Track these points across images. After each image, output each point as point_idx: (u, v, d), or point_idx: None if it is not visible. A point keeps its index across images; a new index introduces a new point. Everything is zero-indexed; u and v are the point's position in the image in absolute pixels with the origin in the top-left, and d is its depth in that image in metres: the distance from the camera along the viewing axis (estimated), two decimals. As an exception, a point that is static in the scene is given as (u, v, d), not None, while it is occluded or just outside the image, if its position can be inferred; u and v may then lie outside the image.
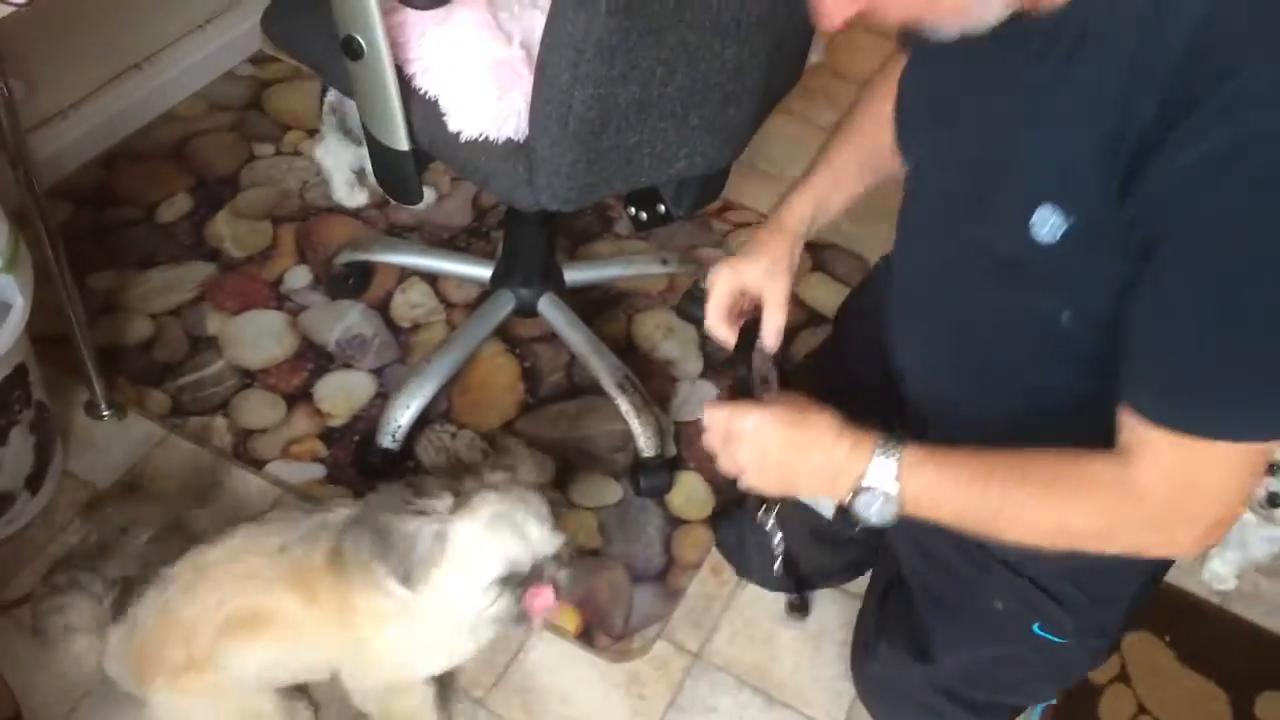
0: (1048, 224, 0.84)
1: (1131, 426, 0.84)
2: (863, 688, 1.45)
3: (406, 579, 1.16)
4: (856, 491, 0.94)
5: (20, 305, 1.36)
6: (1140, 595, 1.19)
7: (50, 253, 1.50)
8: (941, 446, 0.94)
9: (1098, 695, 1.54)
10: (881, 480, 0.92)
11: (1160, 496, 0.85)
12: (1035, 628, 1.17)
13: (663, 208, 1.62)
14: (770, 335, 1.14)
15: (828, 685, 1.52)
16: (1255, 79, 0.71)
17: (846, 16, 0.82)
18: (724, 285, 1.14)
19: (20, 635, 1.45)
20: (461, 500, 1.19)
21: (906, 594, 1.33)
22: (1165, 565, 1.22)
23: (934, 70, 1.01)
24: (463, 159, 1.36)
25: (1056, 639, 1.18)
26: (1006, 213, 0.88)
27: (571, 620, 1.55)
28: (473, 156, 1.35)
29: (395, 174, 1.41)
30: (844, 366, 1.36)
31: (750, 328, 1.15)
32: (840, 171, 1.19)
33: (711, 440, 1.01)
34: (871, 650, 1.39)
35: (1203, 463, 0.82)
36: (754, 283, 1.14)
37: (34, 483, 1.54)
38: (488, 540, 1.17)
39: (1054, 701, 1.48)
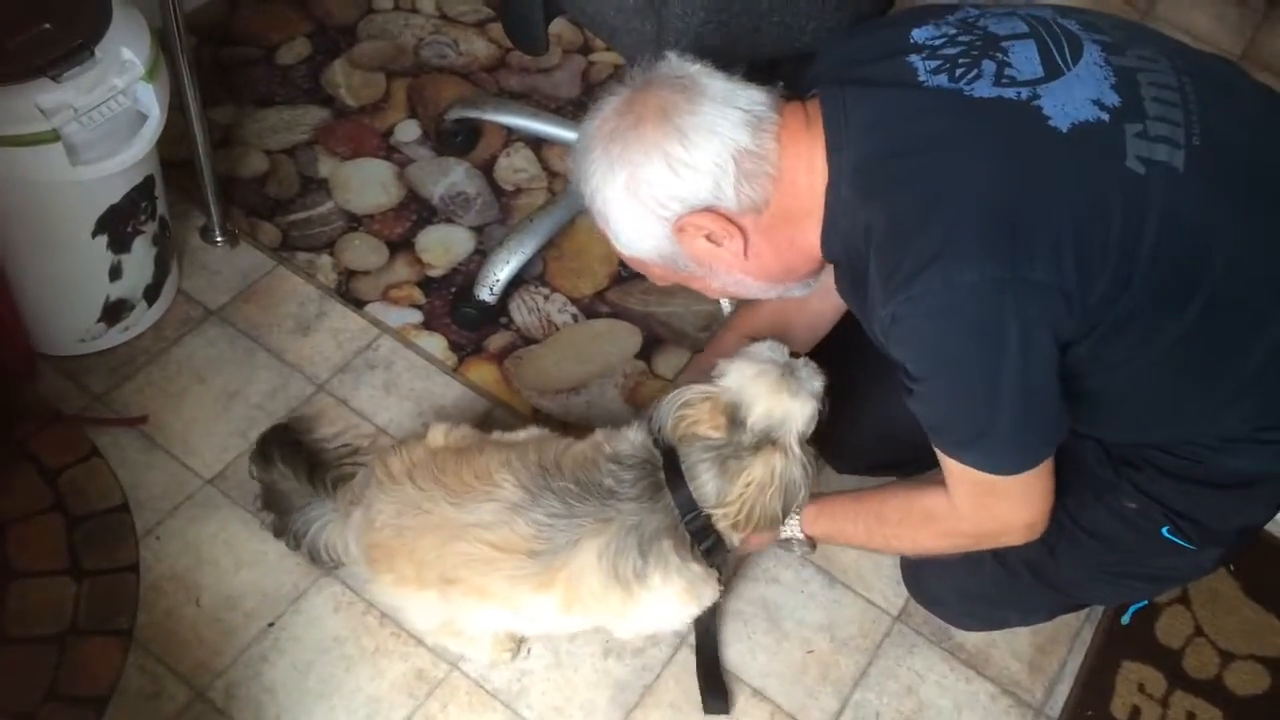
0: None
1: (947, 467, 1.15)
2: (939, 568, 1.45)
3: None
4: (781, 541, 1.38)
5: (156, 116, 1.41)
6: (1265, 518, 1.25)
7: (183, 76, 1.55)
8: (832, 499, 1.35)
9: (1156, 614, 1.55)
10: (794, 533, 1.36)
11: (976, 516, 1.18)
12: (1164, 531, 1.22)
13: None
14: None
15: (890, 574, 1.56)
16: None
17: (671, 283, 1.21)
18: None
19: (133, 439, 1.54)
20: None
21: None
22: None
23: None
24: (592, 12, 1.37)
25: (1184, 544, 1.23)
26: None
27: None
28: (603, 9, 1.36)
29: (523, 21, 1.43)
30: None
31: None
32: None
33: None
34: None
35: (996, 489, 1.13)
36: None
37: (151, 294, 1.61)
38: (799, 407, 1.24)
39: (1148, 603, 1.52)
